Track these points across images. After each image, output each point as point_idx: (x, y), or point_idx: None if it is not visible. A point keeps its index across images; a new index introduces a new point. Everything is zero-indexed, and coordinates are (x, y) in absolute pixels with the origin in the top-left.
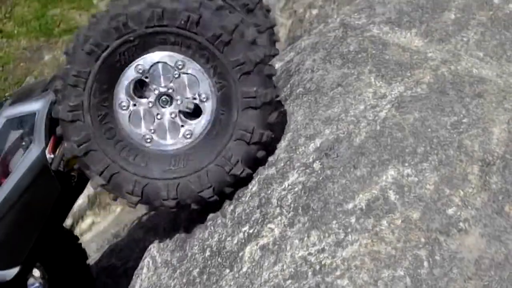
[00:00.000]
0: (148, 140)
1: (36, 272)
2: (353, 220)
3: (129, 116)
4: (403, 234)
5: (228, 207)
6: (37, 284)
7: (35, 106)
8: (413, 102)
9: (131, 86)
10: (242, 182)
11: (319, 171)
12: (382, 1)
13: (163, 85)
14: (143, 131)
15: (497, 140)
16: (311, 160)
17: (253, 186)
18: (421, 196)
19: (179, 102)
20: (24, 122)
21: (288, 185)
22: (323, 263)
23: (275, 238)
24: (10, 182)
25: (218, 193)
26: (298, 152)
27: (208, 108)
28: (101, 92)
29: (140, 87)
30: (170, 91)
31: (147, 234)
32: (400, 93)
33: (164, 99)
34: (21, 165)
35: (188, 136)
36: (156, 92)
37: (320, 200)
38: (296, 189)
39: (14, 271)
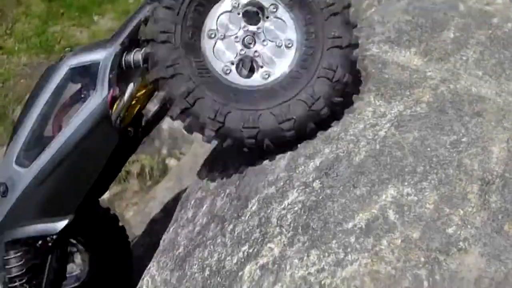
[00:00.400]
0: (228, 72)
1: (77, 258)
2: (352, 239)
3: (214, 45)
4: (403, 254)
5: (227, 226)
6: (78, 271)
7: (100, 55)
8: (412, 121)
9: (223, 17)
10: (321, 123)
11: (319, 190)
12: (381, 20)
13: (253, 23)
14: (223, 63)
15: (497, 159)
16: (311, 179)
17: (252, 205)
18: (421, 215)
19: (264, 43)
20: (86, 73)
21: (288, 204)
22: (322, 283)
23: (274, 258)
24: (70, 128)
25: (298, 128)
26: (298, 171)
27: (292, 50)
28: (193, 18)
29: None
30: (259, 30)
31: (146, 252)
32: (400, 112)
33: (249, 38)
34: (82, 111)
35: (266, 77)
36: (245, 29)
37: (319, 219)
38: (296, 208)
39: (63, 223)
